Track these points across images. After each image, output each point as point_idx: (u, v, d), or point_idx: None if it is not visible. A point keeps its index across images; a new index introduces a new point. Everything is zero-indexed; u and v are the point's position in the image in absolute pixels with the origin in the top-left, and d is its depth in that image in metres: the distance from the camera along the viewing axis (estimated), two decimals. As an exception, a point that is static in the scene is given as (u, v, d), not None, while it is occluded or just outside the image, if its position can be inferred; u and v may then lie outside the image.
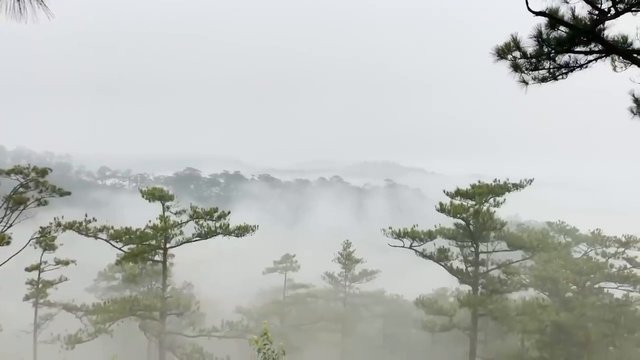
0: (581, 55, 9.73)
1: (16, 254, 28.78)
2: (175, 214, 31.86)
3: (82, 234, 30.45)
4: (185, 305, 33.36)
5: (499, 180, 31.00)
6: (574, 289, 34.15)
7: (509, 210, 36.00)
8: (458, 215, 30.60)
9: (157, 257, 32.88)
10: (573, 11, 8.82)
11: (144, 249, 31.05)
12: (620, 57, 9.37)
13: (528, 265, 36.55)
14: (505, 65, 9.73)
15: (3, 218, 28.94)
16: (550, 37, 9.19)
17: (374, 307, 52.74)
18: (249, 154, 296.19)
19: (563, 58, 9.74)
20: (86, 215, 30.64)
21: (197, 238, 31.74)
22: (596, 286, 34.29)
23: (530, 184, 31.09)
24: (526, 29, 9.37)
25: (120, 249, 31.30)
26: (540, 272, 33.58)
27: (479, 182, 31.68)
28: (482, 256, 32.64)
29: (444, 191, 32.00)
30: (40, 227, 31.90)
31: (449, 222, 31.82)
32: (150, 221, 31.50)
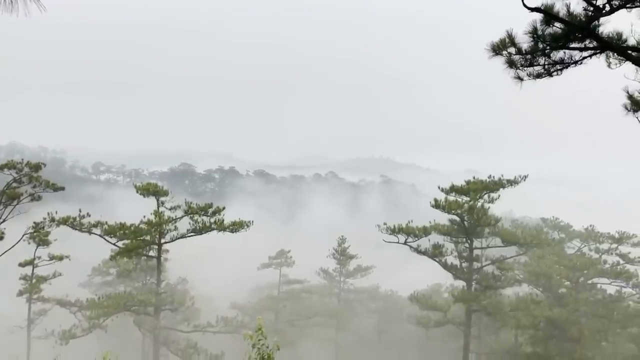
0: (576, 52, 9.73)
1: (9, 249, 28.64)
2: (169, 209, 31.78)
3: (76, 229, 30.34)
4: (180, 300, 33.33)
5: (493, 177, 31.09)
6: (568, 284, 34.33)
7: (504, 207, 36.11)
8: (452, 211, 30.68)
9: (151, 253, 32.83)
10: (568, 7, 8.82)
11: (139, 244, 30.97)
12: (615, 54, 9.39)
13: (522, 261, 36.70)
14: (500, 61, 9.75)
15: (-4, 213, 28.76)
16: (545, 33, 9.19)
17: (368, 302, 52.88)
18: (243, 149, 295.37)
19: (558, 54, 9.75)
20: (80, 211, 30.53)
21: (191, 234, 31.69)
22: (589, 282, 34.48)
23: (524, 180, 31.20)
24: (521, 25, 9.37)
25: (114, 244, 31.22)
26: (534, 268, 33.74)
27: (474, 178, 31.77)
28: (476, 252, 32.74)
29: (439, 187, 32.07)
30: (34, 222, 31.75)
31: (443, 218, 31.91)
32: (144, 216, 31.40)
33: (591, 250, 38.61)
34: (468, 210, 30.57)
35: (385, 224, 30.60)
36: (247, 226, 31.65)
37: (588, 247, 39.72)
